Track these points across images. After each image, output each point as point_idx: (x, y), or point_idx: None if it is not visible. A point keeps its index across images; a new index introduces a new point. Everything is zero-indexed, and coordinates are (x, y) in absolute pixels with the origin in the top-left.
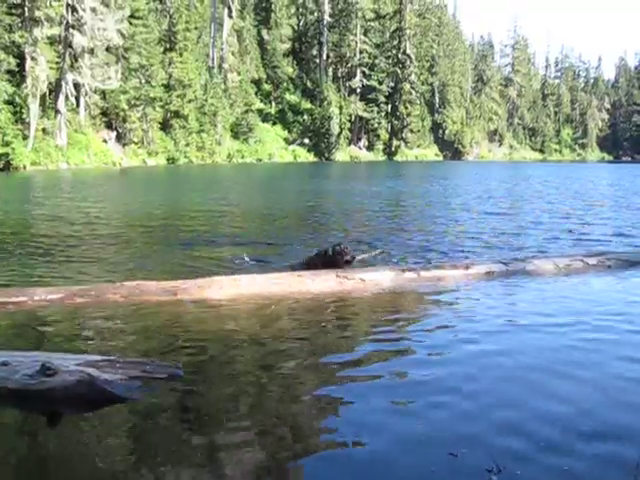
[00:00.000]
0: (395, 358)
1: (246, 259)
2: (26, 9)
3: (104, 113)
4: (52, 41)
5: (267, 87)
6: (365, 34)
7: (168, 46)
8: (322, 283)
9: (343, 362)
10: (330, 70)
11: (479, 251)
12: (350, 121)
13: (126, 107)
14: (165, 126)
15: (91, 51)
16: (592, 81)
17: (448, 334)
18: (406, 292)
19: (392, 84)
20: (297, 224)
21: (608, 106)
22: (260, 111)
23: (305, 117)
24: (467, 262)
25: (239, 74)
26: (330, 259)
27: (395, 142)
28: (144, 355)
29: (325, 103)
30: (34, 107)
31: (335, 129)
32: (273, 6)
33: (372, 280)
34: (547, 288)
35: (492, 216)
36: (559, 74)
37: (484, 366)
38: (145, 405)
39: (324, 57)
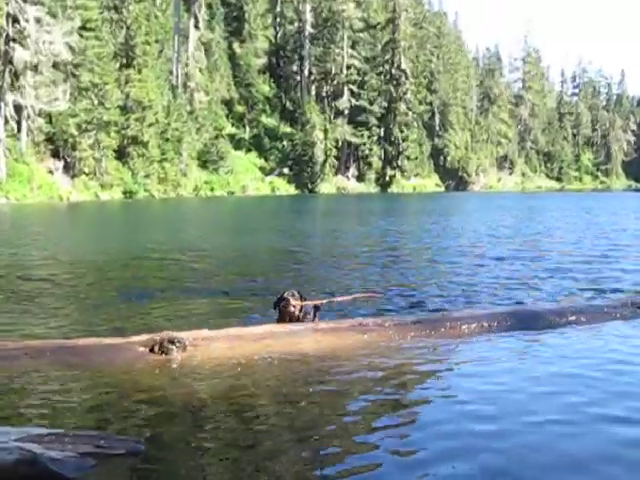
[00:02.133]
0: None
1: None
2: None
3: (50, 139)
4: None
5: (240, 109)
6: (353, 47)
7: (125, 62)
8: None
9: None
10: (313, 89)
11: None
12: (337, 147)
13: (76, 132)
14: (121, 154)
15: (35, 68)
16: (615, 98)
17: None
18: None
19: (385, 104)
20: (271, 272)
21: (634, 127)
22: (232, 136)
23: (284, 143)
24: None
25: (207, 94)
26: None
27: (389, 171)
28: (98, 428)
29: (307, 127)
30: None
31: (319, 157)
32: (246, 15)
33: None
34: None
35: (498, 261)
36: (577, 90)
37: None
38: None
39: (306, 74)
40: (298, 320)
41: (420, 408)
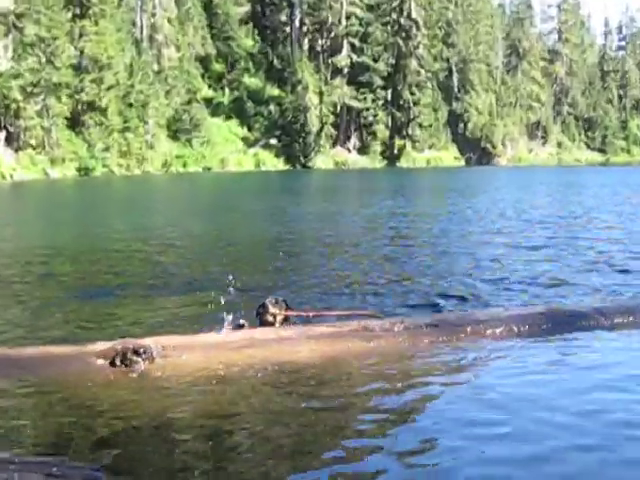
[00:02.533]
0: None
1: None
2: None
3: None
4: None
5: (218, 67)
6: None
7: (78, 12)
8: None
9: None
10: (306, 42)
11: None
12: (334, 113)
13: (20, 97)
14: (75, 123)
15: None
16: None
17: None
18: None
19: (392, 61)
20: (254, 266)
21: None
22: (208, 101)
23: (271, 108)
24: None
25: (178, 49)
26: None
27: (398, 142)
28: (50, 453)
29: (299, 89)
30: None
31: (313, 125)
32: None
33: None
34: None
35: (529, 251)
36: (624, 44)
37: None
38: None
39: (297, 24)
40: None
41: (436, 432)
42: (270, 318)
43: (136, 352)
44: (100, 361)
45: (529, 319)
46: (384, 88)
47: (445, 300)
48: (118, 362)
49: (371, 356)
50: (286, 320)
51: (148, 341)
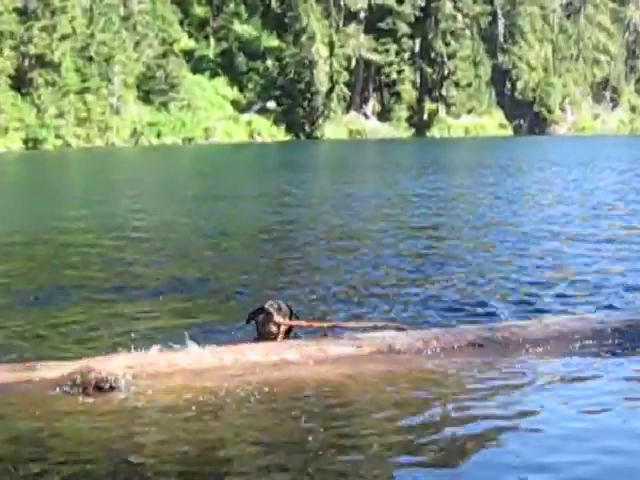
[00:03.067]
0: None
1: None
2: None
3: None
4: None
5: (200, 11)
6: None
7: None
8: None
9: None
10: None
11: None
12: (348, 69)
13: None
14: (20, 83)
15: None
16: None
17: None
18: None
19: (421, 2)
20: (242, 264)
21: None
22: (189, 53)
23: (269, 63)
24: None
25: None
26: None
27: (429, 105)
28: None
29: (304, 38)
30: None
31: (322, 84)
32: None
33: None
34: None
35: (595, 246)
36: None
37: None
38: None
39: None
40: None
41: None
42: (273, 328)
43: (99, 386)
44: (56, 389)
45: (596, 332)
46: (411, 37)
47: (488, 307)
48: (78, 390)
49: (396, 384)
50: (288, 332)
51: (115, 365)
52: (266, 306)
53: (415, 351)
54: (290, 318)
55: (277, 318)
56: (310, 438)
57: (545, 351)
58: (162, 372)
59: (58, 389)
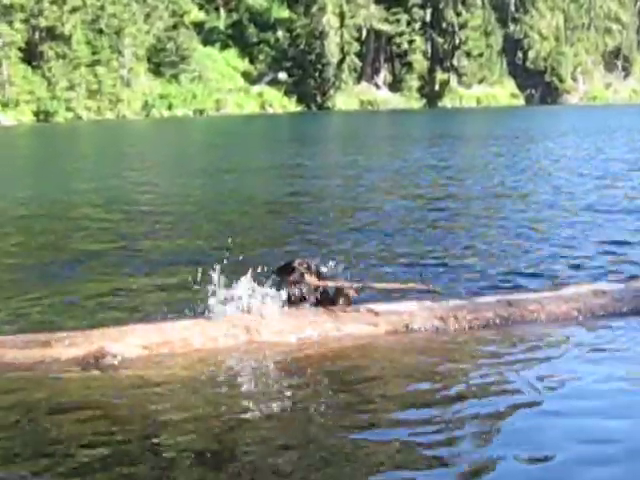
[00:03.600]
0: None
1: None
2: None
3: None
4: None
5: None
6: None
7: None
8: None
9: None
10: None
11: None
12: (359, 40)
13: None
14: (31, 56)
15: None
16: None
17: None
18: None
19: None
20: (255, 237)
21: None
22: (200, 25)
23: (280, 34)
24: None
25: None
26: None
27: (440, 75)
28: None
29: (314, 9)
30: None
31: (333, 55)
32: None
33: None
34: None
35: (609, 216)
36: None
37: None
38: None
39: None
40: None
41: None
42: (302, 289)
43: (107, 351)
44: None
45: (610, 296)
46: (422, 7)
47: (496, 278)
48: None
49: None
50: (343, 295)
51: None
52: (295, 265)
53: (432, 330)
54: (318, 278)
55: (308, 278)
56: (322, 410)
57: (564, 322)
58: (177, 352)
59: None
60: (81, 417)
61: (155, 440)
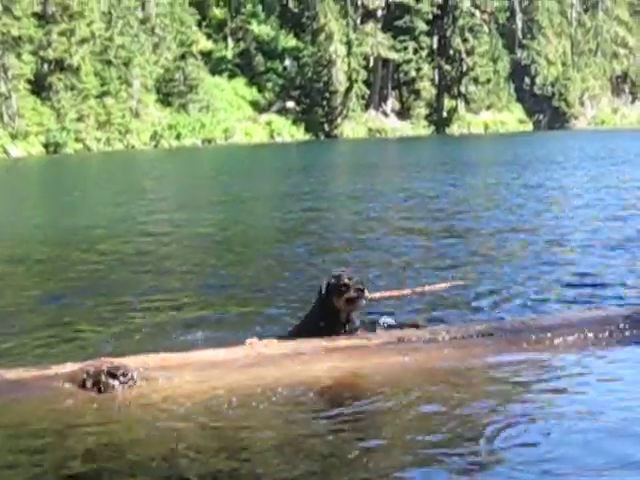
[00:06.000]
0: None
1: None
2: None
3: None
4: None
5: (218, 12)
6: None
7: None
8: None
9: None
10: None
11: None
12: (367, 68)
13: None
14: (40, 88)
15: None
16: None
17: None
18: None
19: (439, 0)
20: (263, 263)
21: None
22: (207, 55)
23: (287, 63)
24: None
25: None
26: (323, 305)
27: (448, 102)
28: None
29: (321, 37)
30: None
31: (340, 83)
32: None
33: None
34: None
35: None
36: None
37: None
38: None
39: None
40: (344, 328)
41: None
42: (352, 294)
43: (112, 374)
44: (67, 385)
45: (610, 323)
46: (429, 35)
47: (501, 305)
48: (89, 386)
49: (407, 373)
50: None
51: (128, 360)
52: (344, 278)
53: (425, 341)
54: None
55: (368, 294)
56: (329, 440)
57: (553, 340)
58: (174, 366)
59: (71, 384)
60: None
61: None
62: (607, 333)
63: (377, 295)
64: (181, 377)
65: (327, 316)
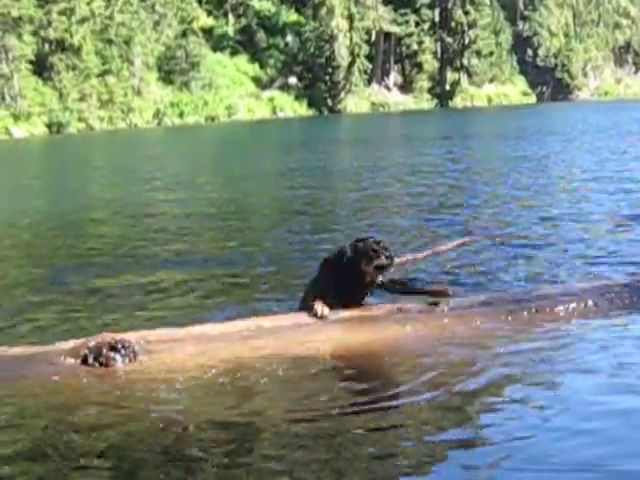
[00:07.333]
0: None
1: None
2: None
3: None
4: None
5: None
6: None
7: None
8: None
9: None
10: None
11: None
12: (369, 42)
13: None
14: (41, 68)
15: None
16: None
17: None
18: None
19: None
20: (269, 236)
21: None
22: (209, 32)
23: (289, 39)
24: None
25: None
26: (349, 268)
27: (450, 75)
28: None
29: (323, 12)
30: None
31: (342, 58)
32: None
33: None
34: None
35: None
36: None
37: None
38: None
39: None
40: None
41: (506, 442)
42: (383, 261)
43: (113, 348)
44: (70, 361)
45: (609, 292)
46: (430, 7)
47: (504, 276)
48: (91, 361)
49: (406, 343)
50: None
51: (129, 335)
52: (375, 245)
53: (423, 312)
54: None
55: (398, 258)
56: (334, 411)
57: (556, 307)
58: (175, 339)
59: (73, 359)
60: None
61: None
62: (607, 301)
63: (404, 259)
64: (183, 350)
65: (348, 281)
